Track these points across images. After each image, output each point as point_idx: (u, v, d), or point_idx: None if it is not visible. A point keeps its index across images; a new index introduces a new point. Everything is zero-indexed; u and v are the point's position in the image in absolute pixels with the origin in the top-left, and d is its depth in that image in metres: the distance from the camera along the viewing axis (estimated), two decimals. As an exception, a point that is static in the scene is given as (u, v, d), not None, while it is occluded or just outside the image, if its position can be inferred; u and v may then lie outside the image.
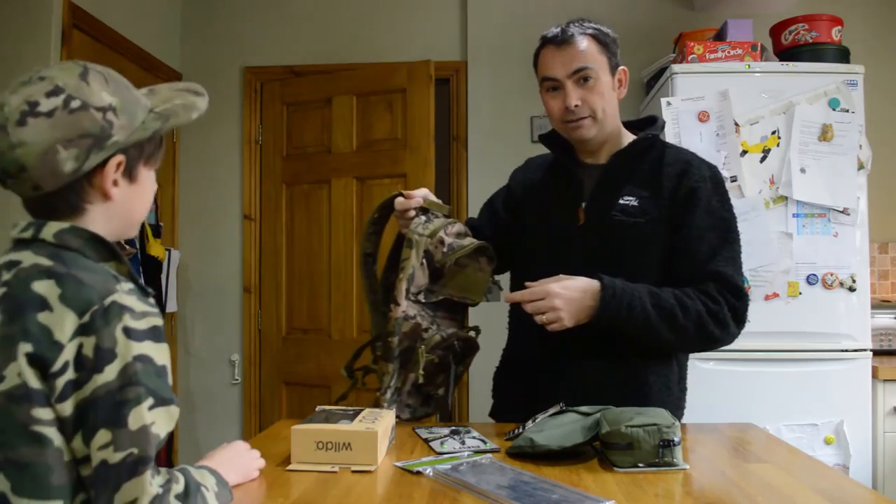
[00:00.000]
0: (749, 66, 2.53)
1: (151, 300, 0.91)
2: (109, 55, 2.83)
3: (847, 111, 2.48)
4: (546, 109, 1.56)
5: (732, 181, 2.46)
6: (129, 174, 0.95)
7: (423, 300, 1.53)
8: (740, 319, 1.46)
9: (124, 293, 0.86)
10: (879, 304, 2.80)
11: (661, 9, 3.24)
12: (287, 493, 1.08)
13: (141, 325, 0.86)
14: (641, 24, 3.23)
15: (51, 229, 0.89)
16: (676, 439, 1.19)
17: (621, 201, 1.50)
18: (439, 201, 1.61)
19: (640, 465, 1.18)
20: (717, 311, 1.42)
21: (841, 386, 2.44)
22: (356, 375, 1.60)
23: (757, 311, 2.41)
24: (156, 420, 0.84)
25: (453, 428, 1.46)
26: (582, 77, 1.49)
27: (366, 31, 3.37)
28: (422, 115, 3.07)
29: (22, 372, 0.82)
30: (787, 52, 2.67)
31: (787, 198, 2.46)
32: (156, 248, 2.92)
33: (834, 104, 2.48)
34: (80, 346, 0.83)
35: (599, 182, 1.54)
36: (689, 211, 1.48)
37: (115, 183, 0.93)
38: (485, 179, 2.88)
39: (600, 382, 1.48)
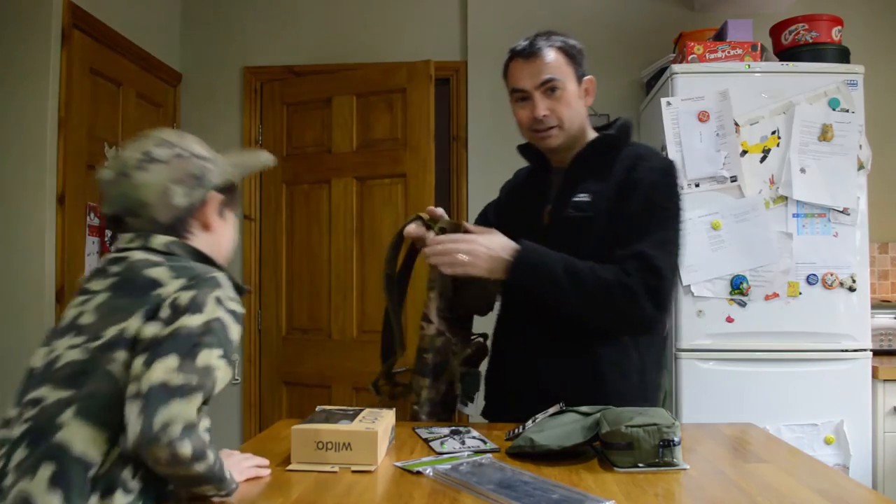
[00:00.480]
0: (749, 66, 2.53)
1: (240, 298, 1.10)
2: (109, 55, 2.82)
3: (847, 111, 2.48)
4: (516, 119, 1.63)
5: (732, 181, 2.47)
6: (220, 213, 1.19)
7: (448, 315, 1.59)
8: (659, 301, 1.46)
9: (224, 278, 1.08)
10: (879, 304, 2.80)
11: (661, 9, 3.24)
12: (287, 493, 1.08)
13: (229, 304, 1.05)
14: (641, 24, 3.23)
15: (159, 240, 1.10)
16: (676, 439, 1.19)
17: (575, 199, 1.57)
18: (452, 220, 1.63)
19: (640, 465, 1.18)
20: (629, 284, 1.44)
21: (841, 386, 2.44)
22: (383, 390, 1.64)
23: (757, 311, 2.44)
24: (219, 367, 1.00)
25: (453, 428, 1.46)
26: (549, 88, 1.56)
27: (366, 31, 3.37)
28: (422, 115, 3.07)
29: (128, 328, 1.00)
30: (787, 52, 2.67)
31: (787, 198, 2.46)
32: (156, 248, 2.92)
33: (834, 104, 2.48)
34: (178, 297, 1.01)
35: (562, 184, 1.62)
36: (629, 198, 1.53)
37: (213, 218, 1.16)
38: (485, 179, 2.88)
39: (557, 368, 1.54)
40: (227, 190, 1.19)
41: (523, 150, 1.73)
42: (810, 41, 2.64)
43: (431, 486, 1.11)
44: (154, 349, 0.97)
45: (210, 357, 0.98)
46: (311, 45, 3.40)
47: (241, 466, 1.15)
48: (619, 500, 1.03)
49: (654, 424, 1.19)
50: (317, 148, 3.31)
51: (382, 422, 1.26)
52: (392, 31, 3.36)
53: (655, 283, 1.44)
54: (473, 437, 1.38)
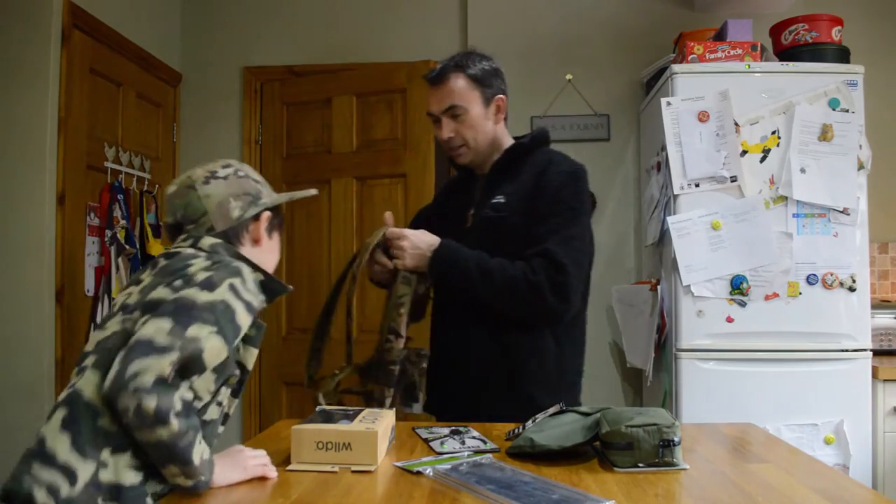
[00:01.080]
0: (749, 66, 2.53)
1: (263, 297, 1.23)
2: (109, 55, 2.82)
3: (847, 111, 2.48)
4: None
5: (732, 181, 2.47)
6: (269, 231, 1.34)
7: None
8: (563, 295, 1.59)
9: (248, 272, 1.19)
10: (879, 304, 2.80)
11: (661, 9, 3.24)
12: (287, 493, 1.08)
13: (245, 294, 1.15)
14: (641, 24, 3.24)
15: (207, 241, 1.24)
16: (676, 439, 1.19)
17: (493, 201, 1.71)
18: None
19: (640, 465, 1.18)
20: (534, 280, 1.57)
21: (841, 386, 2.44)
22: (332, 398, 1.68)
23: (757, 311, 2.45)
24: (208, 344, 1.06)
25: (453, 428, 1.46)
26: (452, 114, 1.73)
27: (366, 31, 3.37)
28: (422, 115, 3.06)
29: (152, 295, 1.12)
30: (787, 52, 2.67)
31: (787, 198, 2.46)
32: (156, 248, 2.92)
33: (834, 104, 2.48)
34: (196, 273, 1.13)
35: (482, 189, 1.77)
36: (538, 200, 1.66)
37: (262, 235, 1.31)
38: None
39: (479, 355, 1.67)
40: (277, 212, 1.35)
41: (451, 160, 1.84)
42: (810, 41, 2.64)
43: (431, 486, 1.11)
44: (155, 310, 1.07)
45: (200, 331, 1.05)
46: (311, 45, 3.40)
47: (248, 464, 1.15)
48: (619, 500, 1.03)
49: (654, 424, 1.19)
50: (317, 148, 3.31)
51: (382, 422, 1.27)
52: (392, 31, 3.36)
53: (559, 278, 1.58)
54: (473, 437, 1.38)
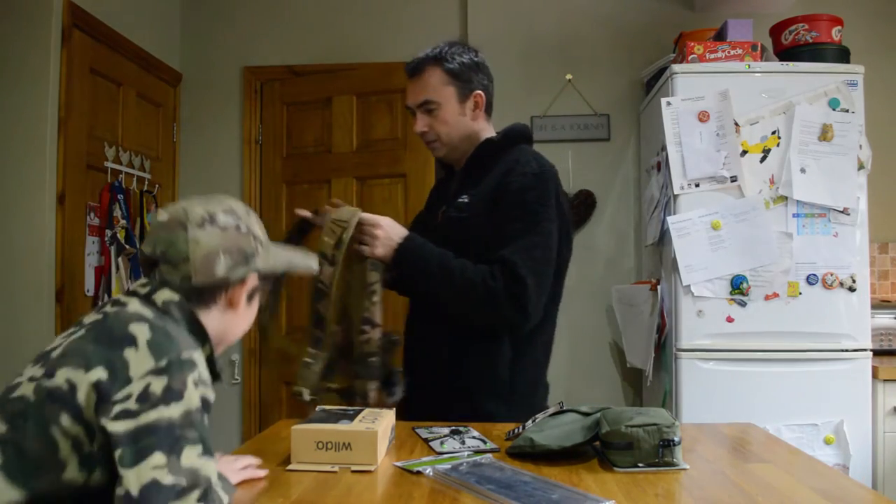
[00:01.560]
0: (749, 66, 2.53)
1: (211, 384, 1.02)
2: (109, 55, 2.82)
3: (847, 111, 2.48)
4: None
5: (732, 181, 2.47)
6: (250, 297, 1.15)
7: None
8: (521, 306, 1.53)
9: (201, 359, 0.99)
10: (879, 304, 2.80)
11: (661, 9, 3.24)
12: (287, 493, 1.08)
13: (202, 388, 0.96)
14: (641, 24, 3.24)
15: (163, 296, 1.05)
16: (676, 439, 1.19)
17: (458, 200, 1.67)
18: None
19: (640, 464, 1.18)
20: (493, 288, 1.52)
21: (841, 386, 2.44)
22: (324, 397, 1.61)
23: (757, 311, 2.44)
24: (203, 466, 0.91)
25: (453, 428, 1.46)
26: (426, 108, 1.70)
27: (366, 31, 3.37)
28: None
29: (79, 385, 0.92)
30: (787, 52, 2.67)
31: (787, 198, 2.46)
32: (156, 248, 2.91)
33: (834, 104, 2.48)
34: (149, 385, 0.91)
35: (455, 186, 1.74)
36: (500, 202, 1.60)
37: (243, 299, 1.12)
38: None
39: (431, 355, 1.65)
40: (266, 278, 1.18)
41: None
42: (810, 41, 2.64)
43: (431, 486, 1.11)
44: (134, 445, 0.88)
45: (192, 456, 0.90)
46: (311, 45, 3.40)
47: (234, 468, 1.14)
48: (619, 500, 1.03)
49: (654, 424, 1.19)
50: (317, 148, 3.31)
51: (382, 422, 1.27)
52: (392, 31, 3.36)
53: (517, 290, 1.52)
54: (473, 437, 1.38)
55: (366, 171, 3.20)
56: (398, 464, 1.21)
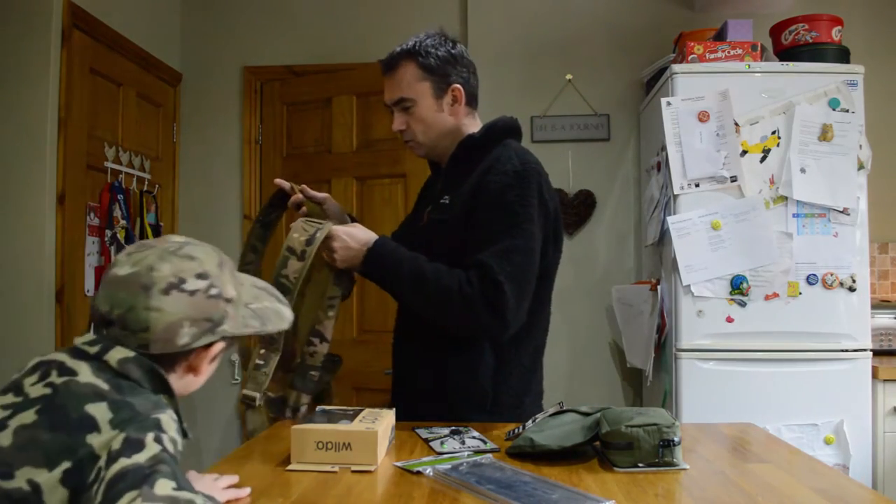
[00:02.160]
0: (749, 66, 2.53)
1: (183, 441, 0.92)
2: (109, 55, 2.82)
3: (847, 111, 2.48)
4: None
5: (732, 181, 2.47)
6: (213, 359, 1.03)
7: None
8: (498, 313, 1.43)
9: (169, 420, 0.88)
10: (879, 304, 2.80)
11: (661, 9, 3.25)
12: (287, 493, 1.08)
13: (169, 445, 0.85)
14: (641, 24, 3.24)
15: (116, 354, 0.93)
16: (676, 439, 1.19)
17: (440, 201, 1.60)
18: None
19: (640, 464, 1.18)
20: (468, 295, 1.43)
21: (841, 386, 2.44)
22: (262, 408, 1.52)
23: (757, 311, 2.44)
24: (180, 495, 0.79)
25: (453, 428, 1.46)
26: (402, 106, 1.63)
27: (366, 31, 3.37)
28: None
29: (44, 487, 0.82)
30: (787, 52, 2.67)
31: (787, 198, 2.46)
32: (156, 248, 2.91)
33: (834, 104, 2.48)
34: (110, 448, 0.83)
35: (440, 187, 1.66)
36: (479, 203, 1.52)
37: (209, 363, 1.02)
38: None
39: (413, 362, 1.62)
40: (234, 340, 1.05)
41: None
42: (810, 41, 2.64)
43: (431, 486, 1.11)
44: (105, 499, 0.78)
45: (167, 488, 0.78)
46: (311, 45, 3.40)
47: (217, 487, 1.08)
48: (619, 500, 1.03)
49: (654, 424, 1.19)
50: (317, 148, 3.31)
51: (382, 422, 1.26)
52: (392, 31, 3.35)
53: (494, 295, 1.42)
54: (473, 437, 1.38)
55: (366, 171, 3.20)
56: (398, 464, 1.21)
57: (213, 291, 0.97)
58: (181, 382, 1.01)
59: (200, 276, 0.96)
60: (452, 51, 1.62)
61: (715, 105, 2.49)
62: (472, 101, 1.67)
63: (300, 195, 1.67)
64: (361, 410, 1.34)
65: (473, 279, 1.44)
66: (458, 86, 1.62)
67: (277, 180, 1.70)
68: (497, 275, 1.42)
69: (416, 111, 1.62)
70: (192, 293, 0.95)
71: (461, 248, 1.50)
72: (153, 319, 0.93)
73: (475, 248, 1.47)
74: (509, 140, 1.64)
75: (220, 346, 1.01)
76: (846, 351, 2.46)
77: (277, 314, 1.08)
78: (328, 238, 1.49)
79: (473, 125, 1.67)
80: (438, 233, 1.58)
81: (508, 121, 1.68)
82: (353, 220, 1.67)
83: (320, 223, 1.51)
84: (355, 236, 1.52)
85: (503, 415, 1.55)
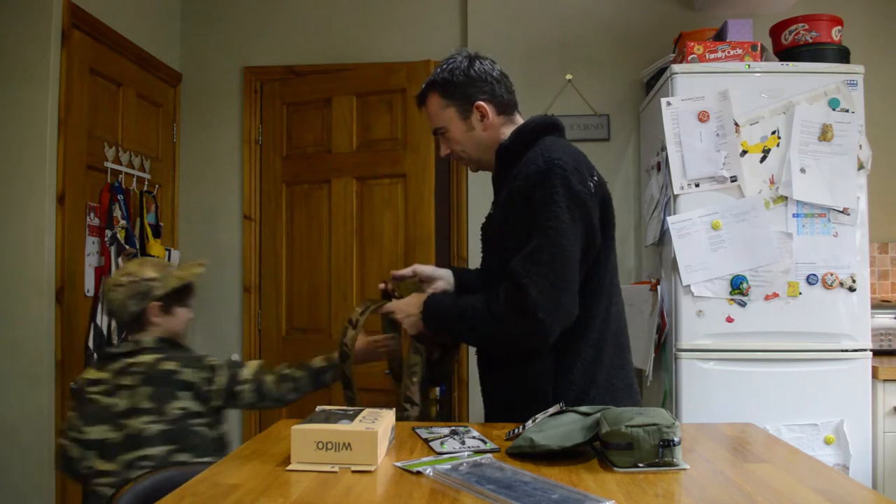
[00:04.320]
0: (749, 66, 2.53)
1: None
2: (109, 55, 2.82)
3: (847, 111, 2.48)
4: None
5: (732, 181, 2.47)
6: (167, 310, 1.87)
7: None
8: (528, 315, 1.46)
9: (204, 355, 1.89)
10: (879, 304, 2.80)
11: (661, 9, 3.25)
12: (287, 493, 1.08)
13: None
14: (641, 24, 3.24)
15: (149, 336, 1.84)
16: (676, 439, 1.19)
17: (490, 211, 1.74)
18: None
19: (640, 465, 1.18)
20: (497, 310, 1.51)
21: (841, 386, 2.44)
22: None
23: (757, 311, 2.44)
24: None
25: (453, 428, 1.46)
26: (440, 133, 1.74)
27: (366, 31, 3.37)
28: (422, 115, 3.05)
29: (179, 400, 1.76)
30: (787, 52, 2.67)
31: (787, 198, 2.46)
32: (156, 249, 2.92)
33: (834, 104, 2.48)
34: (205, 377, 1.80)
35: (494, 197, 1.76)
36: (511, 207, 1.57)
37: (158, 315, 1.85)
38: (485, 179, 2.87)
39: (484, 373, 1.72)
40: (168, 297, 1.85)
41: None
42: (810, 41, 2.64)
43: (431, 486, 1.11)
44: (228, 400, 1.83)
45: (252, 366, 1.91)
46: (311, 45, 3.40)
47: None
48: (619, 500, 1.03)
49: (654, 424, 1.19)
50: (317, 148, 3.31)
51: (382, 422, 1.26)
52: (392, 31, 3.36)
53: (519, 300, 1.46)
54: (473, 437, 1.38)
55: (366, 171, 3.20)
56: (398, 464, 1.21)
57: (134, 280, 1.84)
58: (163, 330, 1.86)
59: (126, 274, 1.86)
60: (468, 71, 1.67)
61: (715, 105, 2.49)
62: (505, 110, 1.70)
63: (390, 284, 1.82)
64: (361, 410, 1.34)
65: (501, 292, 1.50)
66: (481, 102, 1.67)
67: (381, 285, 1.84)
68: (522, 278, 1.46)
69: (451, 135, 1.71)
70: (126, 286, 1.83)
71: (507, 252, 1.54)
72: (113, 303, 1.86)
73: (512, 255, 1.51)
74: (546, 137, 1.64)
75: (155, 306, 1.84)
76: (846, 351, 2.46)
77: (189, 271, 1.94)
78: (389, 312, 1.70)
79: (511, 129, 1.70)
80: (488, 243, 1.73)
81: (541, 119, 1.70)
82: (451, 268, 1.85)
83: (377, 301, 1.77)
84: (412, 304, 1.67)
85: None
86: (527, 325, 1.47)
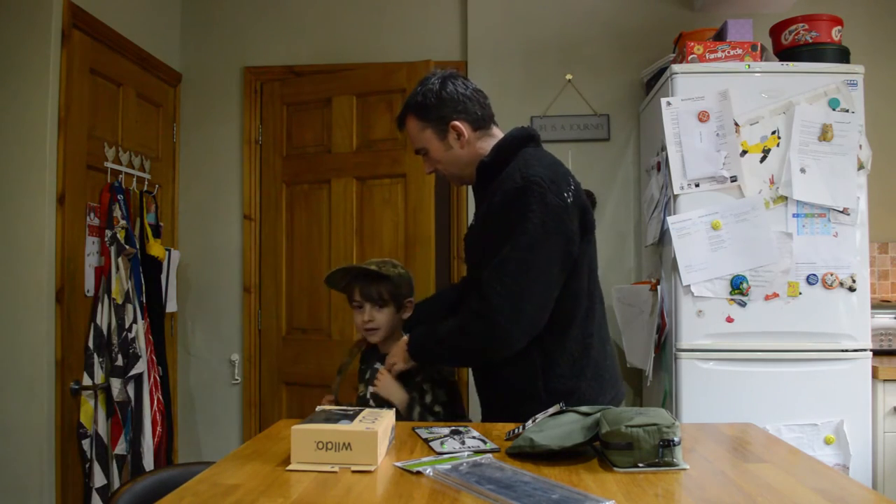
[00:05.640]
0: (749, 66, 2.53)
1: None
2: (109, 55, 2.82)
3: (847, 111, 2.48)
4: None
5: (732, 181, 2.47)
6: None
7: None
8: (491, 322, 1.55)
9: None
10: (879, 304, 2.80)
11: (661, 9, 3.25)
12: (287, 493, 1.08)
13: None
14: (641, 24, 3.24)
15: None
16: (676, 439, 1.19)
17: (470, 224, 1.81)
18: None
19: (640, 465, 1.18)
20: (464, 325, 1.62)
21: (841, 386, 2.44)
22: None
23: (757, 311, 2.45)
24: None
25: (453, 428, 1.46)
26: (422, 153, 1.80)
27: (366, 31, 3.37)
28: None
29: None
30: (787, 52, 2.67)
31: (787, 198, 2.46)
32: (156, 248, 2.91)
33: (834, 104, 2.48)
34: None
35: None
36: (490, 220, 1.65)
37: None
38: (485, 179, 2.88)
39: (477, 378, 1.79)
40: None
41: None
42: (810, 41, 2.64)
43: (431, 486, 1.11)
44: None
45: None
46: (311, 45, 3.40)
47: None
48: (619, 500, 1.03)
49: (654, 424, 1.19)
50: (317, 148, 3.31)
51: (382, 422, 1.26)
52: (392, 31, 3.36)
53: (481, 308, 1.56)
54: (473, 437, 1.38)
55: (366, 171, 3.20)
56: (398, 464, 1.21)
57: None
58: None
59: None
60: (442, 93, 1.72)
61: (715, 105, 2.49)
62: (480, 125, 1.75)
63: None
64: (361, 410, 1.34)
65: (468, 306, 1.61)
66: (456, 122, 1.72)
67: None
68: (486, 287, 1.56)
69: (431, 155, 1.77)
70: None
71: (484, 263, 1.64)
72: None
73: (481, 266, 1.62)
74: (525, 150, 1.70)
75: None
76: (846, 351, 2.46)
77: None
78: (381, 374, 1.78)
79: (490, 146, 1.75)
80: (468, 255, 1.80)
81: (518, 133, 1.74)
82: (440, 292, 2.07)
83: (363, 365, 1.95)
84: (400, 343, 1.75)
85: (560, 401, 1.62)
86: (489, 331, 1.57)
